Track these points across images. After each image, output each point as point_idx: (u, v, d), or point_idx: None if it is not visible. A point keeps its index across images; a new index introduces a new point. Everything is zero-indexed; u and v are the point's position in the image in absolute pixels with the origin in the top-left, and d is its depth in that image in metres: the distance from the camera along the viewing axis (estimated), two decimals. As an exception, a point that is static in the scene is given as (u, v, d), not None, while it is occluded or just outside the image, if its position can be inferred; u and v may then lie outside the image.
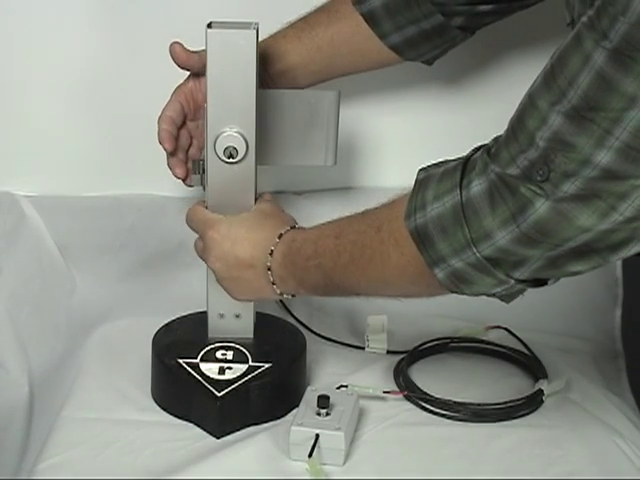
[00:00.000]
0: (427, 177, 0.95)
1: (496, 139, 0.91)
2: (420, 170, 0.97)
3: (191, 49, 1.12)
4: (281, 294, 1.09)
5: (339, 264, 1.02)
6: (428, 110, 1.39)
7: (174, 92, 1.15)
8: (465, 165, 0.92)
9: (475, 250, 0.90)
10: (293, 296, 1.10)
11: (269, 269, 1.07)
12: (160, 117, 1.13)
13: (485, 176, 0.89)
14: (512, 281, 0.92)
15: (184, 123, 1.16)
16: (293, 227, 1.10)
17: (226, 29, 1.05)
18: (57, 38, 1.31)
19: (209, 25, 1.05)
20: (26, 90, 1.33)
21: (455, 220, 0.90)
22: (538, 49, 1.33)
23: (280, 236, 1.08)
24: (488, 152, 0.90)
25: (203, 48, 1.06)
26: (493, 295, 0.96)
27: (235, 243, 1.09)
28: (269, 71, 1.16)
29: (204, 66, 1.09)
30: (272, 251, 1.07)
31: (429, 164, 0.98)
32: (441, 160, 0.97)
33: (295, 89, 1.17)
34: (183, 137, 1.15)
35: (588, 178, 0.83)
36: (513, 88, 1.31)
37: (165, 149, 1.12)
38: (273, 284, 1.08)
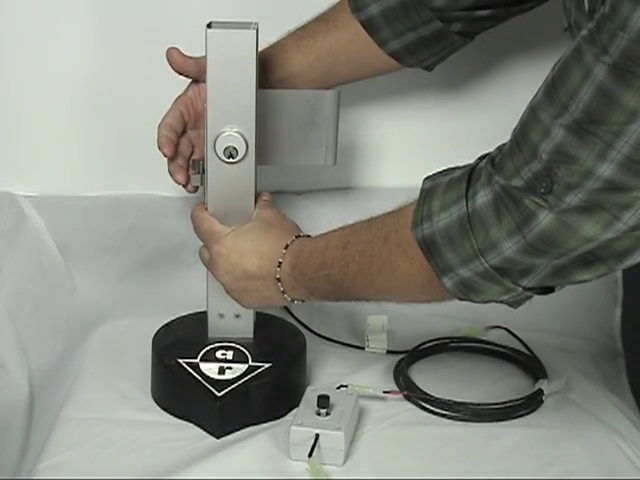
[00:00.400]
0: (433, 187, 0.95)
1: (500, 149, 0.91)
2: (425, 179, 0.98)
3: (191, 50, 1.11)
4: (292, 301, 1.10)
5: (348, 274, 1.03)
6: (428, 111, 1.39)
7: (175, 101, 1.16)
8: (470, 175, 0.92)
9: (483, 260, 0.91)
10: (303, 301, 1.10)
11: (279, 280, 1.08)
12: (160, 124, 1.13)
13: (490, 187, 0.89)
14: (520, 289, 0.93)
15: (184, 131, 1.16)
16: (298, 236, 1.10)
17: (226, 29, 1.05)
18: (58, 39, 1.30)
19: (209, 25, 1.05)
20: (26, 90, 1.33)
21: (462, 231, 0.91)
22: (537, 54, 1.33)
23: (286, 247, 1.08)
24: (492, 162, 0.90)
25: (201, 55, 1.06)
26: (501, 302, 0.96)
27: (242, 256, 1.09)
28: (269, 79, 1.17)
29: (201, 72, 1.09)
30: (280, 263, 1.07)
31: (434, 172, 0.98)
32: (446, 168, 0.97)
33: (295, 89, 1.17)
34: (184, 144, 1.15)
35: (591, 190, 0.83)
36: (513, 91, 1.33)
37: (164, 154, 1.12)
38: (283, 293, 1.09)
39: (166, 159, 1.14)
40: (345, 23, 1.18)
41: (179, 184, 1.13)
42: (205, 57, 1.05)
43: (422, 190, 0.97)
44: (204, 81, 1.11)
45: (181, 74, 1.14)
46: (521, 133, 0.87)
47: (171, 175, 1.14)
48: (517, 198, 0.87)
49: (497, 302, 0.96)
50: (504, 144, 0.91)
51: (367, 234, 1.02)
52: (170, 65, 1.12)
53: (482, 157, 0.94)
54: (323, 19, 1.19)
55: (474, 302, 0.96)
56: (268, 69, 1.16)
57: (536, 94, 0.87)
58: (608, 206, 0.84)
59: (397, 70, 1.21)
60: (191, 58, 1.13)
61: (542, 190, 0.85)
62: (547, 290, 0.95)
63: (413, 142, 1.40)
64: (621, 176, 0.82)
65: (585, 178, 0.83)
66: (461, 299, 0.96)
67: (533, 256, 0.89)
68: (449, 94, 1.38)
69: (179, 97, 1.16)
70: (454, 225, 0.92)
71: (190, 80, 1.16)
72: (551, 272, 0.91)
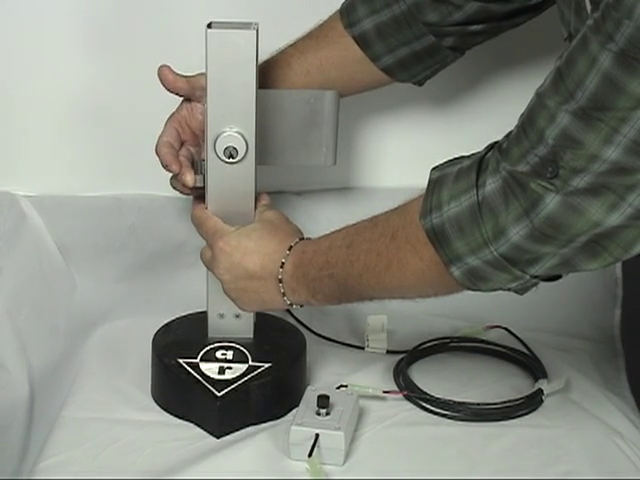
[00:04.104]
0: (442, 177, 0.96)
1: (507, 135, 0.92)
2: (433, 169, 0.98)
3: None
4: (291, 304, 1.09)
5: (353, 274, 1.03)
6: (427, 109, 1.39)
7: (167, 120, 1.16)
8: (480, 164, 0.93)
9: (492, 248, 0.91)
10: (301, 306, 1.10)
11: (280, 281, 1.07)
12: (157, 144, 1.14)
13: (498, 174, 0.90)
14: (527, 277, 0.93)
15: (182, 145, 1.16)
16: (301, 238, 1.10)
17: (226, 29, 1.05)
18: (57, 39, 1.30)
19: (209, 25, 1.05)
20: (26, 91, 1.33)
21: (472, 219, 0.91)
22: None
23: (290, 248, 1.08)
24: (499, 149, 0.91)
25: (193, 73, 1.06)
26: (508, 289, 0.96)
27: (245, 255, 1.09)
28: None
29: (192, 90, 1.10)
30: (283, 263, 1.07)
31: (442, 162, 0.98)
32: (453, 158, 0.97)
33: (294, 89, 1.17)
34: (185, 150, 1.15)
35: (597, 173, 0.84)
36: (511, 80, 1.32)
37: (172, 171, 1.12)
38: (283, 295, 1.08)
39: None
40: (335, 39, 1.18)
41: (188, 185, 1.13)
42: (205, 65, 1.05)
43: (430, 180, 0.97)
44: (198, 100, 1.11)
45: (172, 92, 1.14)
46: (528, 119, 0.88)
47: (178, 177, 1.13)
48: (523, 183, 0.88)
49: (504, 290, 0.96)
50: (511, 131, 0.91)
51: (372, 233, 1.02)
52: (161, 83, 1.13)
53: (491, 145, 0.94)
54: (313, 36, 1.20)
55: (482, 291, 0.96)
56: (261, 84, 1.16)
57: (544, 82, 0.87)
58: (614, 187, 0.84)
59: (388, 84, 1.22)
60: (182, 76, 1.13)
61: (548, 174, 0.86)
62: (554, 277, 0.95)
63: (412, 142, 1.40)
64: (627, 159, 0.83)
65: (591, 162, 0.84)
66: (469, 288, 0.96)
67: (540, 243, 0.89)
68: (449, 94, 1.38)
69: (172, 115, 1.16)
70: (464, 214, 0.92)
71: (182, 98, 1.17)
72: (558, 262, 0.91)
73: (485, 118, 1.37)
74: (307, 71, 1.18)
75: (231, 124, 1.08)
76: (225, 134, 1.08)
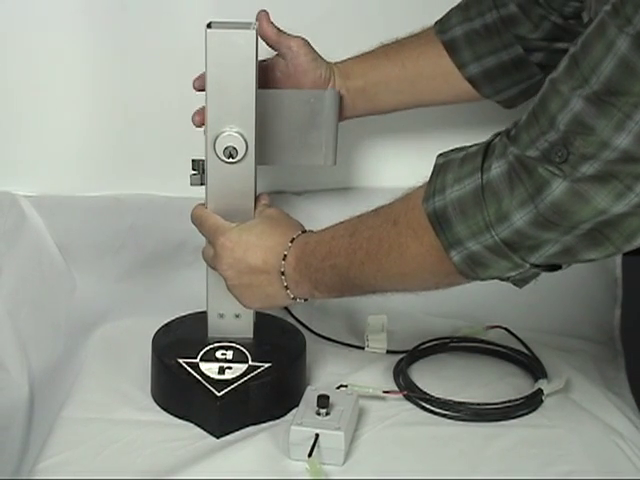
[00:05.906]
0: (447, 162, 0.96)
1: (515, 123, 0.92)
2: (439, 155, 0.98)
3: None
4: (294, 298, 1.09)
5: (355, 262, 1.02)
6: (428, 110, 1.39)
7: None
8: (486, 149, 0.92)
9: (493, 233, 0.90)
10: (306, 300, 1.10)
11: (283, 274, 1.07)
12: None
13: (504, 158, 0.90)
14: (527, 265, 0.92)
15: None
16: (304, 231, 1.10)
17: (226, 29, 1.05)
18: (58, 39, 1.30)
19: (209, 25, 1.05)
20: (27, 91, 1.33)
21: (475, 203, 0.91)
22: None
23: (292, 240, 1.08)
24: (507, 135, 0.91)
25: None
26: (507, 279, 0.96)
27: (247, 250, 1.09)
28: (348, 85, 1.18)
29: (279, 44, 1.12)
30: (285, 256, 1.07)
31: (448, 149, 0.98)
32: (459, 146, 0.97)
33: (294, 89, 1.17)
34: None
35: (607, 160, 0.84)
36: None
37: (195, 85, 1.15)
38: (286, 289, 1.08)
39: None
40: (436, 44, 1.19)
41: (197, 126, 1.15)
42: (205, 65, 1.06)
43: (436, 165, 0.97)
44: (282, 56, 1.14)
45: (261, 37, 1.15)
46: (539, 104, 0.88)
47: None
48: (531, 167, 0.87)
49: (503, 279, 0.96)
50: (519, 119, 0.91)
51: (375, 220, 1.02)
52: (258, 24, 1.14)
53: (498, 133, 0.94)
54: (415, 35, 1.21)
55: (480, 279, 0.95)
56: (351, 75, 1.17)
57: (557, 68, 0.87)
58: (622, 177, 0.84)
59: (474, 100, 1.22)
60: (277, 29, 1.15)
61: (557, 159, 0.85)
62: (554, 267, 0.95)
63: (413, 142, 1.40)
64: (637, 147, 0.83)
65: (601, 149, 0.84)
66: (468, 276, 0.95)
67: (543, 229, 0.89)
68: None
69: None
70: (467, 196, 0.92)
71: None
72: (559, 250, 0.90)
73: (488, 120, 1.36)
74: (403, 63, 1.19)
75: (231, 124, 1.08)
76: (225, 134, 1.08)
